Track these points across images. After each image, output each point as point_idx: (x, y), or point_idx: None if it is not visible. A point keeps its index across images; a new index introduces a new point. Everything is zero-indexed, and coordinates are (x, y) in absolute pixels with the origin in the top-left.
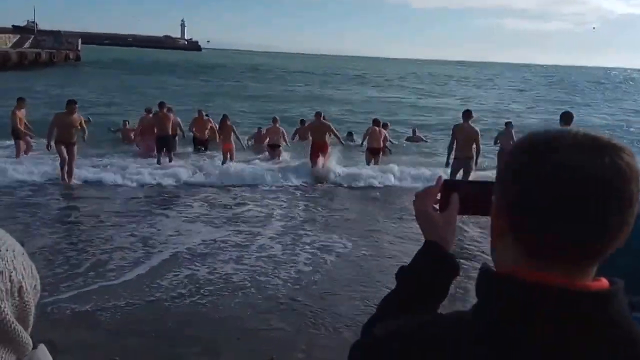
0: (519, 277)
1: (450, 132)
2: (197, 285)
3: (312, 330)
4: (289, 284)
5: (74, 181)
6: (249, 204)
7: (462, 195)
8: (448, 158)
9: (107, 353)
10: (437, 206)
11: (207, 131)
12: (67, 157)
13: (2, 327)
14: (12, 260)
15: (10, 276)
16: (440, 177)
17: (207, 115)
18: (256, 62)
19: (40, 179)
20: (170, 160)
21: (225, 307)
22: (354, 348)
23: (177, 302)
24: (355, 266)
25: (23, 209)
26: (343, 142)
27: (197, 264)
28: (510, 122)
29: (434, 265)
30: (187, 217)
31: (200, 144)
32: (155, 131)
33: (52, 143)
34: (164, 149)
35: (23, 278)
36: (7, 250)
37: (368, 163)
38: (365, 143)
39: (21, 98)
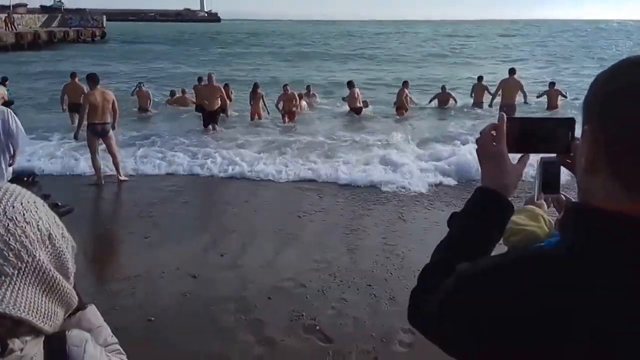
0: (627, 215)
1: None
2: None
3: (341, 288)
4: (324, 247)
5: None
6: None
7: (526, 132)
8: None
9: (144, 313)
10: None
11: (216, 101)
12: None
13: (42, 275)
14: (36, 211)
15: (38, 225)
16: (502, 115)
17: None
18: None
19: None
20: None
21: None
22: (423, 292)
23: (209, 265)
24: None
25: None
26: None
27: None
28: None
29: (491, 211)
30: None
31: (210, 118)
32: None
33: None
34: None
35: (50, 226)
36: (28, 202)
37: None
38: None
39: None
